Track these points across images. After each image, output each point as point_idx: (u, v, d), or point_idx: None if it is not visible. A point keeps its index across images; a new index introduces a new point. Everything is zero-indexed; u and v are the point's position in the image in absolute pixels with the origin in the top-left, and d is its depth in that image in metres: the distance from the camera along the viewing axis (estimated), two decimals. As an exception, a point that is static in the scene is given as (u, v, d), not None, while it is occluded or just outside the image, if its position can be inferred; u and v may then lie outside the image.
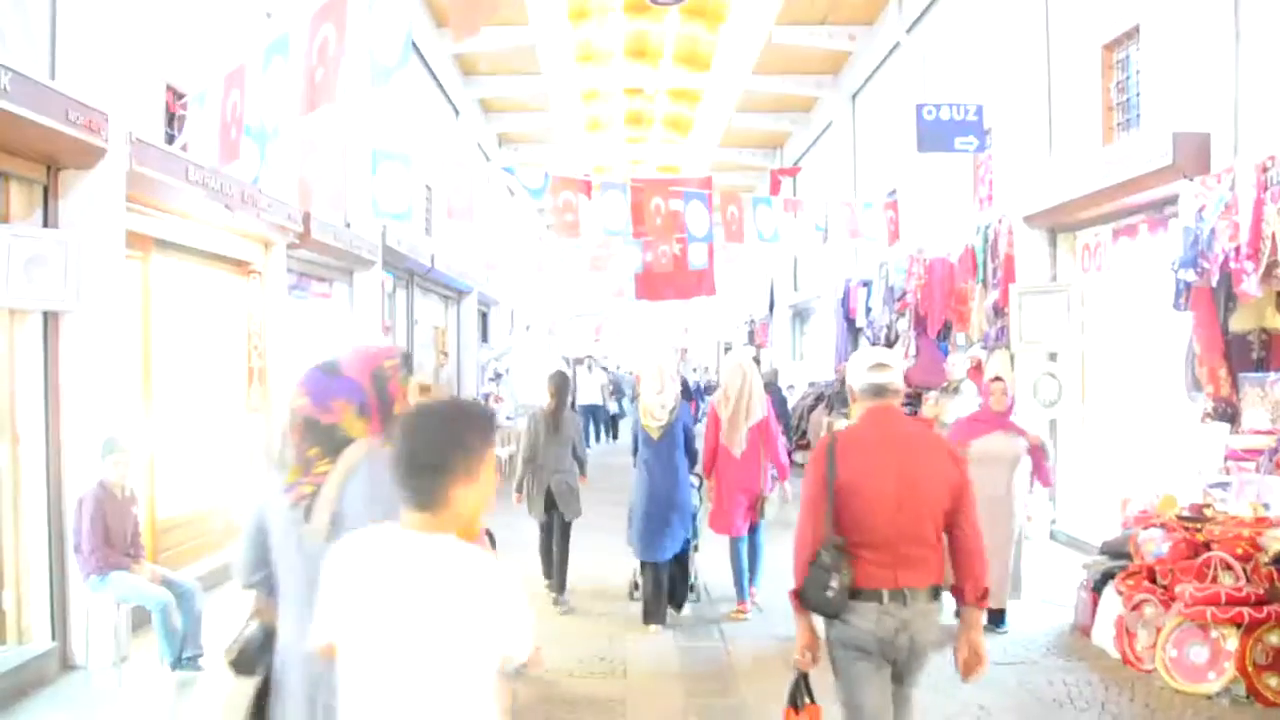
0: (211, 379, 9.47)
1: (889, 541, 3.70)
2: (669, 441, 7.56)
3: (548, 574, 8.30)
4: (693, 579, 8.09)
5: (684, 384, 9.15)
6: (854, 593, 3.69)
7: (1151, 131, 8.92)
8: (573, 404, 10.10)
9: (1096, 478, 10.31)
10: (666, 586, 7.60)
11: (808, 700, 4.01)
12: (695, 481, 8.02)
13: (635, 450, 7.90)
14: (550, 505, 8.11)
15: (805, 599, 3.82)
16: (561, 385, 8.54)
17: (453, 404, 2.70)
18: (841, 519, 3.73)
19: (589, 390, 22.70)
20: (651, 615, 7.51)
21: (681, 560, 7.76)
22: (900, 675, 3.87)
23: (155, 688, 6.28)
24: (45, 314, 6.53)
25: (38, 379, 6.52)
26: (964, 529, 3.79)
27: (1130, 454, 9.63)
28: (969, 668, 3.85)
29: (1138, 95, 9.50)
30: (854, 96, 19.68)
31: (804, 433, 17.27)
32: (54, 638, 6.53)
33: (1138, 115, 9.50)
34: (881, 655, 3.76)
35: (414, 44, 14.58)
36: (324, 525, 2.69)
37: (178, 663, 6.33)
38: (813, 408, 17.75)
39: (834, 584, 3.68)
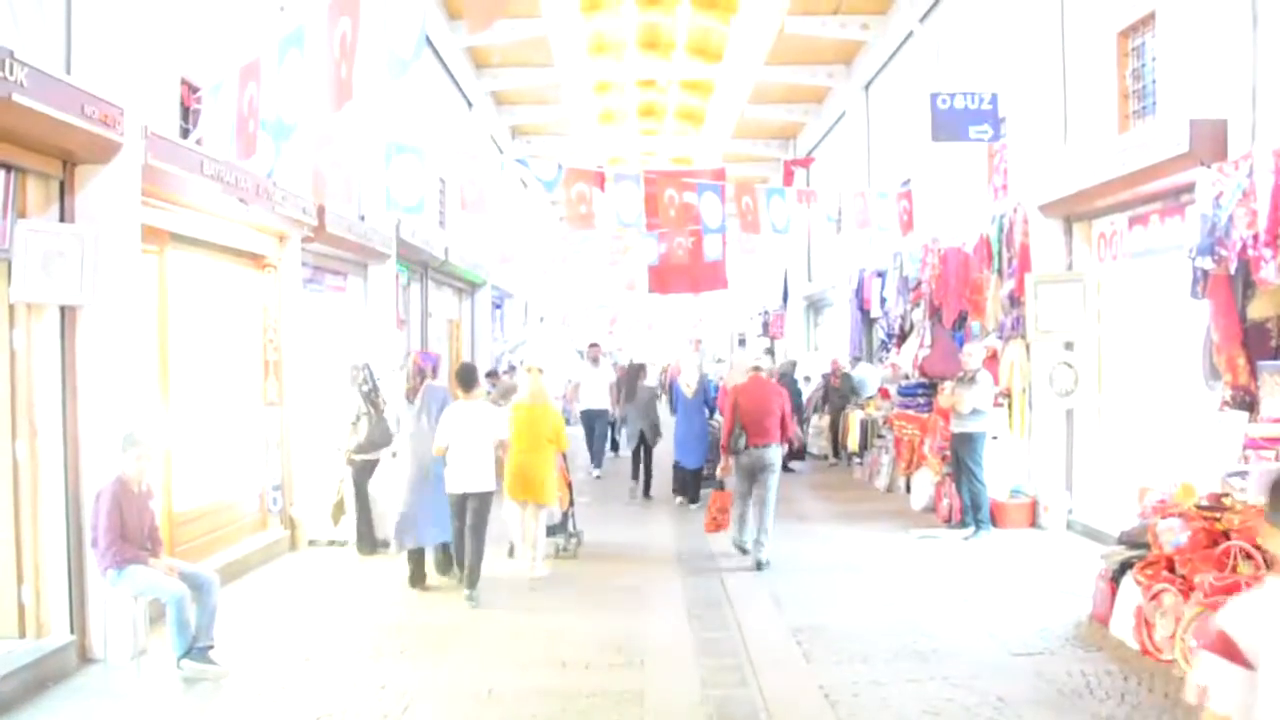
0: (227, 372, 9.51)
1: (753, 425, 9.35)
2: (698, 399, 13.11)
3: (634, 476, 13.97)
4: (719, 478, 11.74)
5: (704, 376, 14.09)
6: (746, 445, 9.33)
7: (1168, 119, 8.85)
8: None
9: (1114, 467, 10.26)
10: (691, 482, 13.09)
11: (725, 489, 10.10)
12: (713, 425, 12.89)
13: (675, 407, 14.07)
14: (640, 440, 13.93)
15: (729, 447, 9.53)
16: (635, 372, 15.00)
17: (471, 364, 9.58)
18: (740, 417, 9.39)
19: (593, 392, 16.54)
20: (689, 498, 12.97)
21: (697, 473, 13.02)
22: (755, 476, 9.44)
23: (173, 681, 6.31)
24: (62, 309, 6.56)
25: (55, 374, 6.55)
26: (785, 422, 9.51)
27: (1148, 443, 9.59)
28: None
29: (1154, 82, 9.43)
30: (867, 86, 19.60)
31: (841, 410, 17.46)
32: (72, 631, 6.57)
33: (1154, 102, 9.43)
34: (751, 470, 9.45)
35: (427, 37, 14.59)
36: (419, 407, 8.86)
37: (188, 654, 6.35)
38: (826, 398, 17.78)
39: (741, 442, 9.36)
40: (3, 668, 5.94)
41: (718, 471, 10.42)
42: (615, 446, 18.17)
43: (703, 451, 12.91)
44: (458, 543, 8.47)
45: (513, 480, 9.10)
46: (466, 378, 8.69)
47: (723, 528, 9.87)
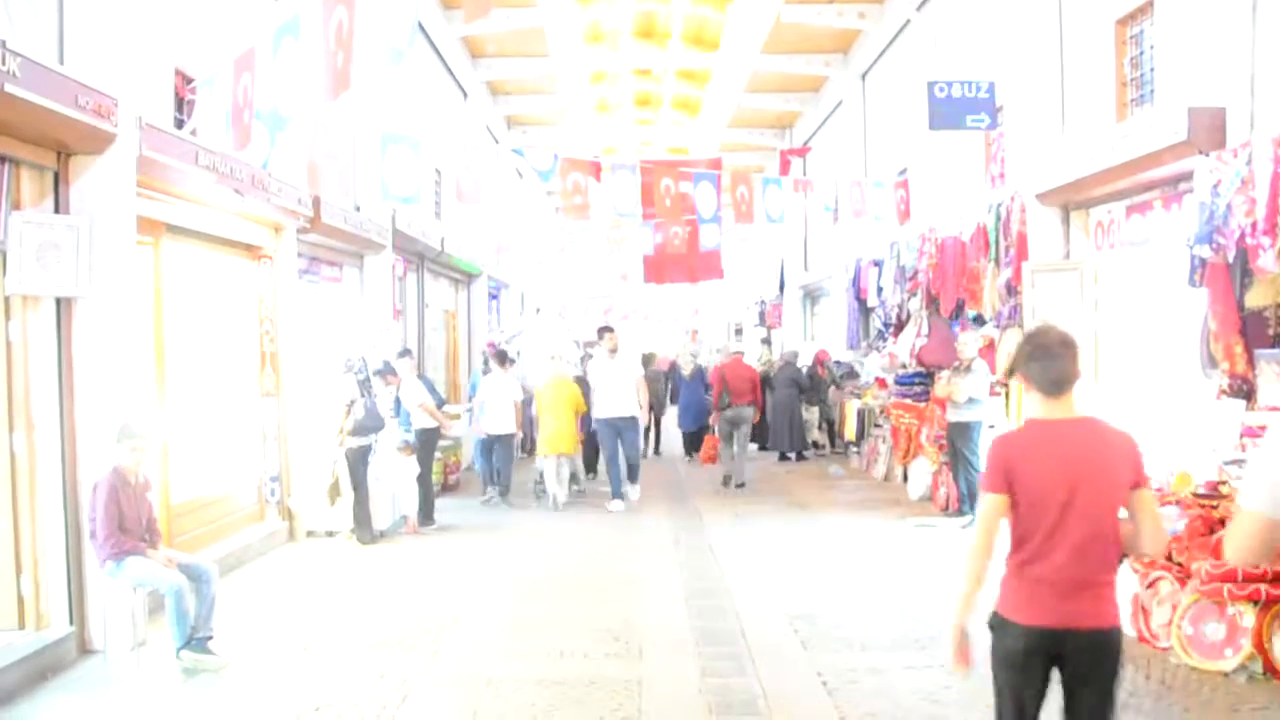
0: (224, 363, 9.49)
1: (735, 390, 13.96)
2: (695, 380, 17.34)
3: (646, 439, 16.48)
4: (710, 425, 15.22)
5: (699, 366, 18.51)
6: (728, 404, 13.90)
7: (1166, 107, 8.83)
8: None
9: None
10: (692, 444, 17.22)
11: (713, 434, 15.08)
12: (707, 399, 15.80)
13: (678, 387, 19.39)
14: (651, 411, 16.34)
15: (718, 405, 14.11)
16: (648, 359, 18.60)
17: (505, 349, 14.18)
18: (726, 385, 14.01)
19: (614, 395, 12.57)
20: (691, 454, 17.03)
21: (697, 433, 16.57)
22: (736, 426, 13.99)
23: (172, 672, 6.31)
24: (58, 300, 6.54)
25: (51, 365, 6.54)
26: (756, 390, 14.45)
27: (1145, 432, 9.53)
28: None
29: (1152, 70, 9.40)
30: (864, 75, 19.55)
31: (824, 403, 18.02)
32: (71, 622, 6.57)
33: (1152, 90, 9.40)
34: (732, 422, 13.96)
35: (421, 26, 14.53)
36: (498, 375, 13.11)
37: (187, 644, 6.35)
38: (814, 387, 17.88)
39: (726, 403, 13.93)
40: (2, 659, 5.94)
41: (709, 421, 15.01)
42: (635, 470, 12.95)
43: (700, 418, 16.55)
44: (489, 466, 12.83)
45: (544, 440, 12.40)
46: (502, 357, 13.03)
47: (714, 461, 14.65)
